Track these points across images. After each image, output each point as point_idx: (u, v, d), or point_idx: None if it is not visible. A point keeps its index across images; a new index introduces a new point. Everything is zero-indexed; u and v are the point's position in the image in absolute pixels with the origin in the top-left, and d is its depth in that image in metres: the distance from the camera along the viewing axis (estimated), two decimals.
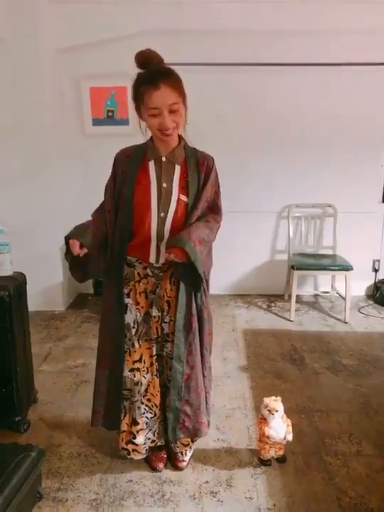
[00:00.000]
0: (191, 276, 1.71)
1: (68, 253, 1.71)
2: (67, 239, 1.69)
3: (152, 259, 1.75)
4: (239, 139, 3.67)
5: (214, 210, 1.81)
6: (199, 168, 1.73)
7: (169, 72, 1.60)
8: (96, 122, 3.59)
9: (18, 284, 2.17)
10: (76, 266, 1.76)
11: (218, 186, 1.82)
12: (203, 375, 1.86)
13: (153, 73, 1.57)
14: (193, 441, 1.98)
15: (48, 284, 3.60)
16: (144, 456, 1.94)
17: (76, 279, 1.82)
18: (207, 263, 1.82)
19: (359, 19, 3.30)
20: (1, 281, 2.13)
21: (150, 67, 1.59)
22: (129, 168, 1.72)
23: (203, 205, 1.75)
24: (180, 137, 1.74)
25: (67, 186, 3.65)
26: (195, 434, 1.89)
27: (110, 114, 3.56)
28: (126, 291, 1.80)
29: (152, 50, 1.60)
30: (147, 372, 1.84)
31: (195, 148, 1.78)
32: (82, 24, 3.31)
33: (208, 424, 1.93)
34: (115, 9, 3.26)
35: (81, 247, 1.66)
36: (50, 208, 3.49)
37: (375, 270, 3.86)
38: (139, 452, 1.91)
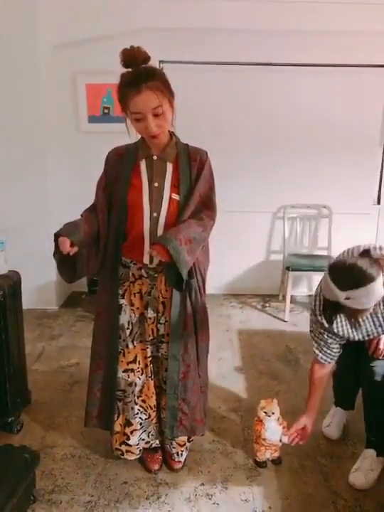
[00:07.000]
0: (175, 276, 1.65)
1: (56, 251, 1.60)
2: (56, 236, 1.58)
3: (146, 260, 1.72)
4: (235, 139, 3.66)
5: (208, 206, 1.75)
6: (191, 164, 1.69)
7: (152, 74, 1.52)
8: (92, 119, 3.55)
9: (12, 283, 2.14)
10: (64, 265, 1.68)
11: (213, 181, 1.76)
12: (198, 375, 1.85)
13: (136, 75, 1.51)
14: (189, 441, 1.97)
15: (41, 282, 3.56)
16: (138, 456, 1.93)
17: (64, 279, 1.74)
18: (203, 261, 1.80)
19: (355, 20, 3.32)
20: None
21: (135, 66, 1.53)
22: (121, 168, 1.70)
23: (196, 200, 1.70)
24: (171, 134, 1.71)
25: (62, 184, 3.62)
26: (192, 432, 1.87)
27: (106, 111, 3.52)
28: (120, 291, 1.78)
29: (136, 47, 1.52)
30: (142, 374, 1.83)
31: (187, 145, 1.74)
32: (79, 20, 3.29)
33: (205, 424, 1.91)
34: (113, 5, 3.24)
35: (71, 245, 1.55)
36: (44, 206, 3.45)
37: None
38: (132, 453, 1.90)
